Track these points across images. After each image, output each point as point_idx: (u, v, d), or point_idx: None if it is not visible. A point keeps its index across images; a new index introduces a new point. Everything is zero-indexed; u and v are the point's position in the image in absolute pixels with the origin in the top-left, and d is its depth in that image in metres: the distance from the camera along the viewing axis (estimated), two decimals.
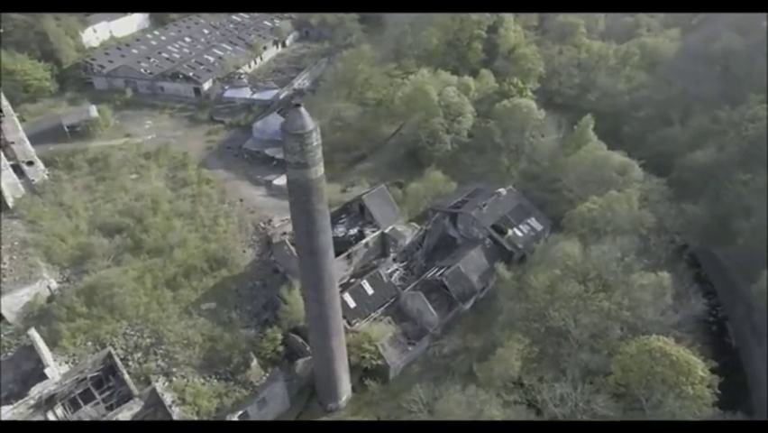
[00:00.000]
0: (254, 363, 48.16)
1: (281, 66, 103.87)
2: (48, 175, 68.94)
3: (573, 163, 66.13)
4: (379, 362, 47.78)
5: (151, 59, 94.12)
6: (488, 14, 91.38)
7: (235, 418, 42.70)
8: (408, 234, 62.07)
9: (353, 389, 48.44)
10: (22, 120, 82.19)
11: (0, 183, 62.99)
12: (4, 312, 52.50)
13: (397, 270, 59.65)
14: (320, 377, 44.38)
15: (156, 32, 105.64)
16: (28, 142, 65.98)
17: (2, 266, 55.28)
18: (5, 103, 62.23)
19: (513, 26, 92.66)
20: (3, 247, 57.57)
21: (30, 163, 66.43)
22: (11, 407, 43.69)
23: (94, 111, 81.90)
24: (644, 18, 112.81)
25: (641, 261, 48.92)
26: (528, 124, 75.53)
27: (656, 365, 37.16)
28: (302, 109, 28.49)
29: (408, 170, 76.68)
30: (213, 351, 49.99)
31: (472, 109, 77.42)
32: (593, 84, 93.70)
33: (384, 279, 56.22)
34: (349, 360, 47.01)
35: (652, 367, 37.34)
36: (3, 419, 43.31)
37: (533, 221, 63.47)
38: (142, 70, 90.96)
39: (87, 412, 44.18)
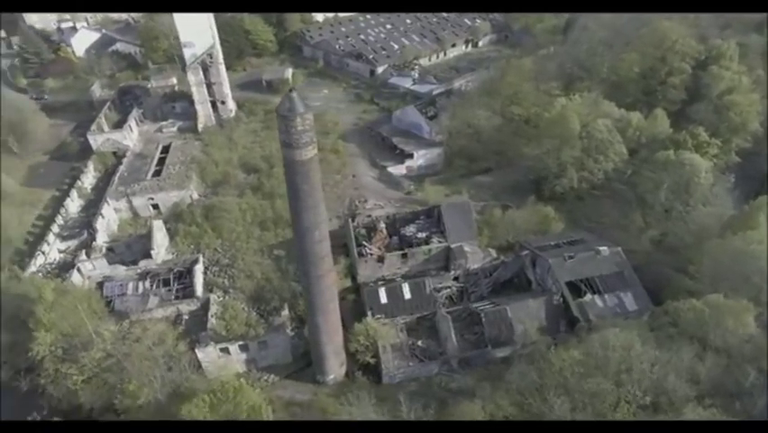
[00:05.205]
0: (285, 312, 53.97)
1: (461, 65, 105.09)
2: (233, 115, 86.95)
3: (716, 249, 51.68)
4: (371, 361, 48.28)
5: (349, 38, 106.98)
6: (701, 47, 75.15)
7: (236, 346, 49.40)
8: (478, 257, 58.73)
9: (347, 374, 50.22)
10: (243, 70, 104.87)
11: (198, 111, 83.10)
12: (160, 205, 70.42)
13: (450, 287, 57.48)
14: (312, 347, 47.59)
15: (368, 16, 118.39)
16: (225, 85, 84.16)
17: (171, 172, 73.67)
18: (218, 51, 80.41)
19: (734, 65, 73.76)
20: (178, 159, 76.41)
21: (222, 102, 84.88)
22: (126, 268, 59.59)
23: (288, 73, 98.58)
24: None
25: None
26: (691, 187, 61.47)
27: None
28: (293, 94, 31.05)
29: (527, 198, 70.95)
30: (263, 289, 57.85)
31: (623, 151, 66.47)
32: None
33: (427, 290, 55.19)
34: (347, 346, 48.98)
35: None
36: (120, 275, 59.30)
37: (627, 297, 52.52)
38: (337, 46, 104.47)
39: (160, 293, 57.07)
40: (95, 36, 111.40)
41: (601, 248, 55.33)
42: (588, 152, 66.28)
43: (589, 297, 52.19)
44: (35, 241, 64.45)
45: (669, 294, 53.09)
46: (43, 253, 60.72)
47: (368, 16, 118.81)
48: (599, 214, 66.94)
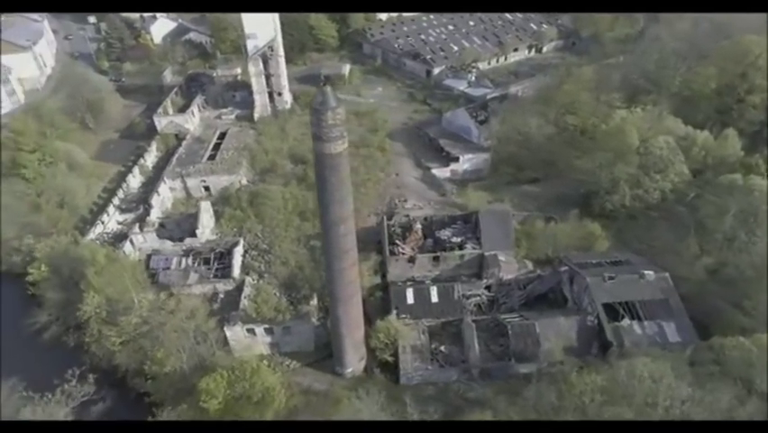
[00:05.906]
0: (314, 301, 55.12)
1: (521, 70, 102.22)
2: (288, 106, 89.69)
3: None
4: (391, 359, 48.22)
5: (409, 38, 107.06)
6: None
7: (262, 329, 51.05)
8: (512, 268, 57.07)
9: (366, 370, 50.51)
10: (303, 64, 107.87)
11: (255, 101, 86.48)
12: (211, 188, 74.06)
13: (479, 296, 56.20)
14: (332, 339, 48.27)
15: (431, 16, 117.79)
16: (283, 77, 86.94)
17: (224, 157, 77.25)
18: (279, 44, 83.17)
19: None
20: (233, 145, 79.96)
21: (279, 94, 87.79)
22: (173, 244, 63.23)
23: (346, 69, 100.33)
24: None
25: None
26: (760, 216, 56.30)
27: None
28: (327, 89, 31.49)
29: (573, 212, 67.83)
30: (295, 277, 59.38)
31: (685, 171, 61.97)
32: None
33: (455, 295, 54.32)
34: (368, 342, 49.26)
35: None
36: (167, 250, 63.01)
37: (670, 326, 48.93)
38: (396, 45, 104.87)
39: (200, 270, 60.05)
40: (172, 25, 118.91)
41: (646, 272, 52.03)
42: (644, 170, 62.36)
43: (626, 322, 49.22)
44: (98, 211, 69.94)
45: (719, 329, 49.13)
46: (102, 222, 65.82)
47: (431, 17, 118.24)
48: (651, 236, 62.88)
